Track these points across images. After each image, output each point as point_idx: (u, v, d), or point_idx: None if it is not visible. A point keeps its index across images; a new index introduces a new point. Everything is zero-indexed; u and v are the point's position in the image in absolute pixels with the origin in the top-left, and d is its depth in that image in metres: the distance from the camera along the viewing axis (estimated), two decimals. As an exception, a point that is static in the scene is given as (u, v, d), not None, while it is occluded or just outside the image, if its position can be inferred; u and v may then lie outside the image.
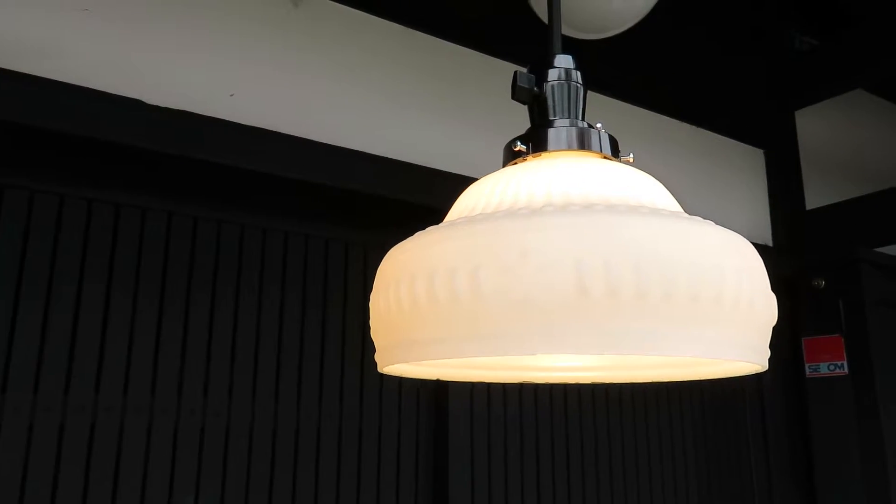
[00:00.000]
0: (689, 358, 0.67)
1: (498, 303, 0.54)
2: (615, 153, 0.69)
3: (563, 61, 0.72)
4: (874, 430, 2.11)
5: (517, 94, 0.70)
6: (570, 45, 0.76)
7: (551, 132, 0.68)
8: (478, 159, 1.74)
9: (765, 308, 0.59)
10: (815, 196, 2.43)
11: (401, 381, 1.69)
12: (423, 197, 1.62)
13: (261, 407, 1.52)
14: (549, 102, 0.71)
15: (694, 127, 2.35)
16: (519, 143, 0.68)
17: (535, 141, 0.68)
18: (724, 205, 2.36)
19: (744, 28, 2.53)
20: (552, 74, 0.71)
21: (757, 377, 2.30)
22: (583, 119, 0.71)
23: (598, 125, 0.70)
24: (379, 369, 0.65)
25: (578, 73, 0.72)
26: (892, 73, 2.47)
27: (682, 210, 0.65)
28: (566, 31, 1.49)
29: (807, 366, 2.28)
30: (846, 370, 2.19)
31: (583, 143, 0.68)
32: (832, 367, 2.22)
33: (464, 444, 1.71)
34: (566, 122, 0.70)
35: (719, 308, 0.55)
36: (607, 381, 0.83)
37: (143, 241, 1.46)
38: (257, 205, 1.59)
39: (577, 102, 0.71)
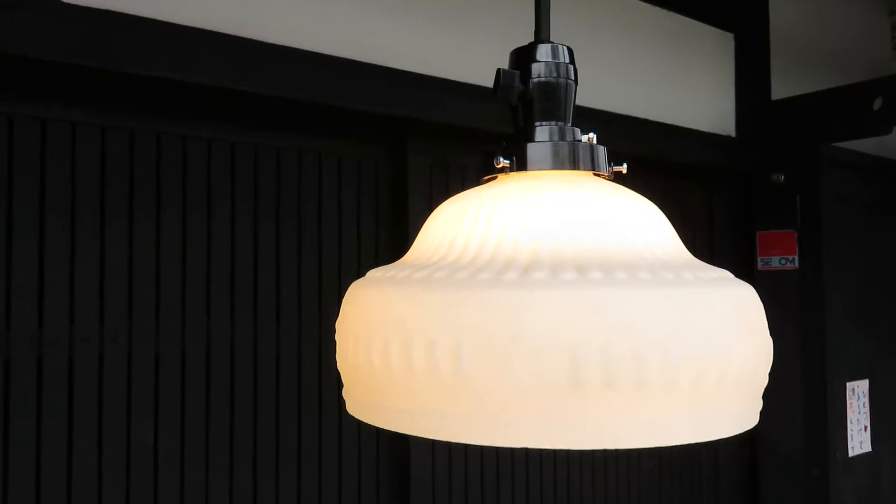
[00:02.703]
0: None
1: (483, 386, 0.48)
2: (607, 165, 0.62)
3: (553, 53, 0.62)
4: (817, 323, 2.18)
5: (502, 94, 0.61)
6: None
7: (538, 148, 0.60)
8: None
9: (765, 367, 0.55)
10: (783, 86, 2.36)
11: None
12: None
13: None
14: (535, 104, 0.62)
15: (661, 9, 2.22)
16: (501, 158, 0.60)
17: (520, 155, 0.60)
18: (689, 92, 2.28)
19: None
20: (539, 69, 0.62)
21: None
22: (571, 122, 0.63)
23: (591, 135, 0.62)
24: (348, 410, 0.60)
25: (570, 66, 0.63)
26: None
27: (678, 243, 0.59)
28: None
29: (759, 259, 2.31)
30: (796, 265, 2.23)
31: (573, 161, 0.60)
32: (783, 262, 2.26)
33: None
34: (554, 129, 0.61)
35: (722, 386, 0.50)
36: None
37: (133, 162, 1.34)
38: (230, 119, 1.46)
39: (566, 103, 0.63)
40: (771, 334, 0.57)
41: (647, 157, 2.07)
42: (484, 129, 1.63)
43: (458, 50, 1.69)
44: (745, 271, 2.36)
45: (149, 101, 1.39)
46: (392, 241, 1.68)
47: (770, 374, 0.56)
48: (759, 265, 2.31)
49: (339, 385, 0.60)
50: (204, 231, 1.47)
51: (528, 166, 0.60)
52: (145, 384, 1.38)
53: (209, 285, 1.47)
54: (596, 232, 0.54)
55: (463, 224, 0.57)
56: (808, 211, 2.21)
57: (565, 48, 0.63)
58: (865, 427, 2.31)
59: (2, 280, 1.27)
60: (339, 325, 0.60)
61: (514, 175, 0.60)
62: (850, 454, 2.25)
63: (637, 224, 0.56)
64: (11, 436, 1.25)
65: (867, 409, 2.32)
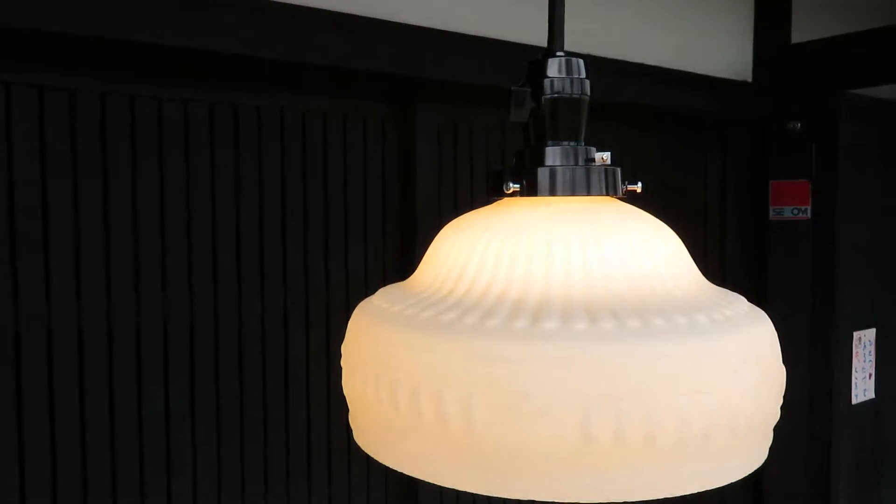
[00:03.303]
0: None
1: (491, 439, 0.48)
2: (621, 187, 0.60)
3: (567, 67, 0.59)
4: (828, 275, 2.17)
5: (515, 116, 0.59)
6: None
7: (548, 173, 0.58)
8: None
9: (777, 404, 0.55)
10: (803, 30, 2.28)
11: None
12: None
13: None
14: (547, 122, 0.59)
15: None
16: (511, 183, 0.58)
17: (530, 180, 0.58)
18: (705, 36, 2.20)
19: None
20: (552, 85, 0.59)
21: (720, 217, 2.31)
22: (584, 140, 0.61)
23: (604, 157, 0.60)
24: (356, 440, 0.60)
25: (584, 81, 0.60)
26: None
27: (691, 271, 0.57)
28: None
29: (771, 209, 2.28)
30: (809, 215, 2.20)
31: (586, 186, 0.58)
32: (796, 212, 2.23)
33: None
34: (568, 150, 0.59)
35: (734, 435, 0.50)
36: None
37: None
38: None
39: (580, 120, 0.60)
40: (780, 285, 0.56)
41: (660, 106, 2.03)
42: (496, 87, 1.59)
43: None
44: (757, 221, 2.34)
45: (149, 65, 1.35)
46: (400, 201, 1.66)
47: (778, 330, 0.55)
48: (772, 214, 2.28)
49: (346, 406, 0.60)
50: (209, 194, 1.45)
51: (539, 192, 0.57)
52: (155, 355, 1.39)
53: (215, 253, 1.47)
54: (608, 269, 0.53)
55: (472, 256, 0.56)
56: (823, 160, 2.16)
57: (580, 61, 0.60)
58: (870, 374, 2.32)
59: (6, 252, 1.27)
60: (346, 352, 0.59)
61: (524, 201, 0.58)
62: (854, 402, 2.27)
63: (651, 257, 0.55)
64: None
65: (873, 358, 2.33)
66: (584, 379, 0.46)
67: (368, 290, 1.64)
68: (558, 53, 0.60)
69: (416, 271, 0.63)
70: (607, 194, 0.58)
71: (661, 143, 2.15)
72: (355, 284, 1.58)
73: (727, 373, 0.49)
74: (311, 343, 1.56)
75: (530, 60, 0.60)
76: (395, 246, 1.67)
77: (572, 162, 0.59)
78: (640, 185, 0.61)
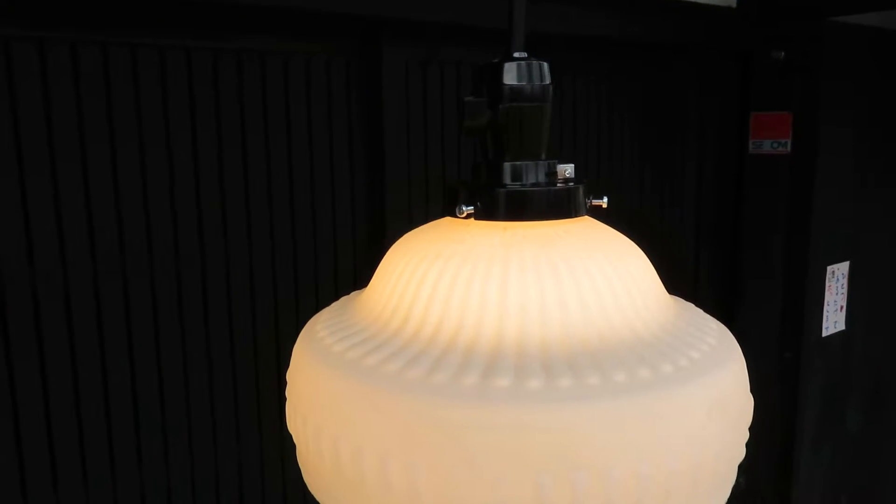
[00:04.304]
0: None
1: (438, 504, 0.45)
2: (585, 204, 0.55)
3: (527, 73, 0.53)
4: (804, 210, 2.14)
5: (468, 130, 0.53)
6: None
7: (505, 196, 0.53)
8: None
9: (741, 446, 0.52)
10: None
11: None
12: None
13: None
14: (505, 135, 0.54)
15: None
16: (464, 206, 0.53)
17: (486, 203, 0.53)
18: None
19: None
20: (509, 93, 0.53)
21: (699, 150, 2.26)
22: (547, 151, 0.55)
23: (567, 172, 0.54)
24: (305, 479, 0.56)
25: (547, 88, 0.54)
26: None
27: (659, 300, 0.53)
28: None
29: (750, 142, 2.23)
30: (789, 149, 2.15)
31: (547, 209, 0.53)
32: (775, 146, 2.18)
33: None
34: (529, 167, 0.54)
35: (696, 488, 0.47)
36: None
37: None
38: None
39: (540, 131, 0.55)
40: (756, 220, 0.53)
41: (637, 39, 1.94)
42: (471, 25, 1.50)
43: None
44: (735, 155, 2.29)
45: (119, 12, 1.25)
46: (367, 144, 1.59)
47: (753, 261, 0.52)
48: (751, 148, 2.23)
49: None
50: (163, 142, 1.37)
51: (495, 216, 0.53)
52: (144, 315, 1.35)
53: (173, 201, 1.40)
54: (566, 308, 0.49)
55: (422, 288, 0.51)
56: (806, 91, 2.10)
57: (542, 65, 0.54)
58: (841, 307, 2.34)
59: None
60: (290, 388, 0.56)
61: (480, 225, 0.53)
62: (824, 334, 2.29)
63: (612, 290, 0.50)
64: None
65: (845, 291, 2.34)
66: (536, 447, 0.43)
67: (336, 235, 1.57)
68: (516, 55, 0.53)
69: (368, 288, 0.59)
70: (569, 216, 0.54)
71: (639, 74, 2.07)
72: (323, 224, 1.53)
73: (692, 430, 0.46)
74: (278, 296, 1.51)
75: (485, 63, 0.54)
76: (363, 188, 1.61)
77: (532, 180, 0.53)
78: (605, 199, 0.56)
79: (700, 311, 0.57)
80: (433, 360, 0.47)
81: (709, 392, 0.47)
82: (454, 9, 1.50)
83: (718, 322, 0.57)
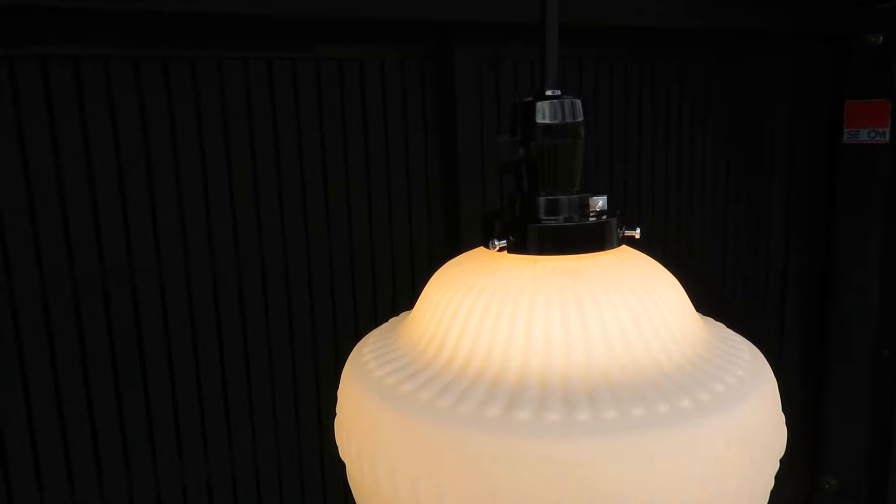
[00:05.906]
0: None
1: (463, 529, 0.48)
2: (618, 236, 0.57)
3: (560, 112, 0.55)
4: (903, 203, 2.04)
5: (502, 168, 0.56)
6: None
7: (537, 231, 0.55)
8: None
9: (770, 477, 0.53)
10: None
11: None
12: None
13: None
14: (538, 171, 0.56)
15: None
16: (496, 241, 0.56)
17: (518, 238, 0.55)
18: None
19: None
20: (543, 132, 0.55)
21: (789, 141, 2.18)
22: (581, 185, 0.57)
23: (600, 203, 0.56)
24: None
25: (579, 126, 0.56)
26: None
27: (687, 333, 0.55)
28: None
29: (845, 131, 2.13)
30: (888, 138, 2.05)
31: (579, 243, 0.55)
32: (872, 135, 2.07)
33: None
34: (562, 203, 0.56)
35: (714, 521, 0.49)
36: None
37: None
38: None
39: (573, 168, 0.57)
40: (853, 212, 0.53)
41: (723, 29, 1.89)
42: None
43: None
44: (828, 146, 2.19)
45: (182, 27, 1.33)
46: (440, 143, 1.62)
47: (848, 254, 0.52)
48: (846, 137, 2.13)
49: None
50: (248, 149, 1.45)
51: (527, 250, 0.55)
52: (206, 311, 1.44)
53: (258, 203, 1.48)
54: (591, 344, 0.51)
55: (456, 318, 0.54)
56: (906, 78, 1.99)
57: (576, 102, 0.56)
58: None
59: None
60: (339, 404, 0.60)
61: (512, 258, 0.56)
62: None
63: (637, 324, 0.52)
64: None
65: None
66: (554, 477, 0.46)
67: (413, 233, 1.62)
68: (549, 93, 0.55)
69: (412, 312, 0.62)
70: (600, 248, 0.56)
71: (718, 71, 2.02)
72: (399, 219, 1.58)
73: (708, 463, 0.48)
74: (357, 289, 1.58)
75: (519, 102, 0.56)
76: (438, 186, 1.65)
77: (564, 214, 0.56)
78: (638, 230, 0.58)
79: (735, 340, 0.58)
80: (461, 390, 0.50)
81: (728, 426, 0.48)
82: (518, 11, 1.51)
83: (754, 349, 0.58)
